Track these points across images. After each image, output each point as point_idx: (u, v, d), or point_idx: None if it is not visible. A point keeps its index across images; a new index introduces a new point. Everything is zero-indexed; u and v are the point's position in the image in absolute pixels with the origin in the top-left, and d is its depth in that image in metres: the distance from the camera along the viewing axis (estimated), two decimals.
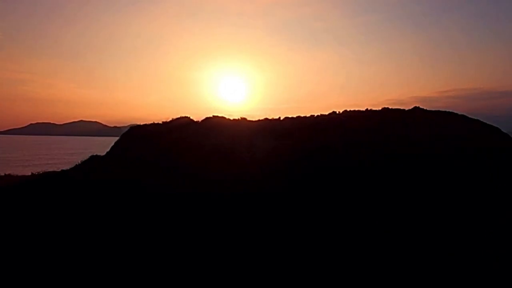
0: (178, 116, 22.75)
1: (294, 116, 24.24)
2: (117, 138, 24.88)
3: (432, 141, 26.52)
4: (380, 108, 32.98)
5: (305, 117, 25.09)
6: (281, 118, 23.79)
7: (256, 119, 23.15)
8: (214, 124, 20.83)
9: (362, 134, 25.30)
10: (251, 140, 18.14)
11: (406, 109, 35.43)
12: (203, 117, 22.97)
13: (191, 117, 23.07)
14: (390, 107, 34.22)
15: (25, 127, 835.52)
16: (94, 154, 20.76)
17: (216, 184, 15.36)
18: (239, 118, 23.14)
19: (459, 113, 36.68)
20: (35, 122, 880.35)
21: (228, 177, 15.56)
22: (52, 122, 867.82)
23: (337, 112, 29.64)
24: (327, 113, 29.24)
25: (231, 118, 22.84)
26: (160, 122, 22.73)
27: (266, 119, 23.81)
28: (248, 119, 23.76)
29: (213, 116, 22.55)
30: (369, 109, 32.47)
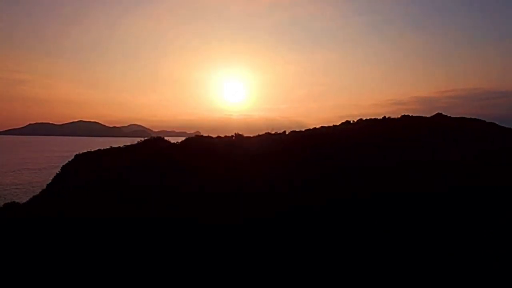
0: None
1: (303, 129, 19.78)
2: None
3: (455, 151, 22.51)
4: (399, 116, 29.09)
5: (314, 129, 20.66)
6: (286, 132, 19.19)
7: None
8: (196, 151, 15.41)
9: (380, 152, 20.99)
10: (248, 177, 13.23)
11: (428, 116, 31.67)
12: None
13: (165, 138, 18.06)
14: (410, 115, 30.40)
15: (24, 127, 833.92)
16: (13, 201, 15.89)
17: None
18: (233, 135, 18.16)
19: (487, 120, 32.76)
20: (34, 122, 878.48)
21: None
22: (51, 122, 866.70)
23: (351, 122, 25.37)
24: (338, 123, 25.05)
25: (223, 136, 17.86)
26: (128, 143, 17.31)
27: (268, 133, 18.99)
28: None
29: (196, 135, 17.51)
30: (387, 117, 28.33)
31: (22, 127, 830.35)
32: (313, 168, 14.17)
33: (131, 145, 16.41)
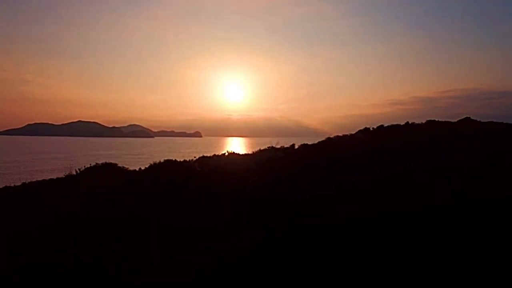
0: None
1: (315, 141, 15.73)
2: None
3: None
4: (423, 122, 25.27)
5: (329, 139, 16.60)
6: (295, 147, 15.06)
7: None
8: (164, 185, 10.36)
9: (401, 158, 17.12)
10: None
11: (455, 121, 27.92)
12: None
13: (118, 165, 13.42)
14: (436, 119, 26.58)
15: (23, 127, 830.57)
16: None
17: None
18: (226, 153, 13.89)
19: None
20: (33, 122, 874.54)
21: None
22: (50, 122, 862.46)
23: (371, 129, 21.37)
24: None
25: (210, 155, 13.59)
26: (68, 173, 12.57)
27: (272, 147, 14.92)
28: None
29: (166, 160, 12.82)
30: (410, 122, 24.42)
31: (21, 127, 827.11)
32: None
33: (61, 179, 11.81)
